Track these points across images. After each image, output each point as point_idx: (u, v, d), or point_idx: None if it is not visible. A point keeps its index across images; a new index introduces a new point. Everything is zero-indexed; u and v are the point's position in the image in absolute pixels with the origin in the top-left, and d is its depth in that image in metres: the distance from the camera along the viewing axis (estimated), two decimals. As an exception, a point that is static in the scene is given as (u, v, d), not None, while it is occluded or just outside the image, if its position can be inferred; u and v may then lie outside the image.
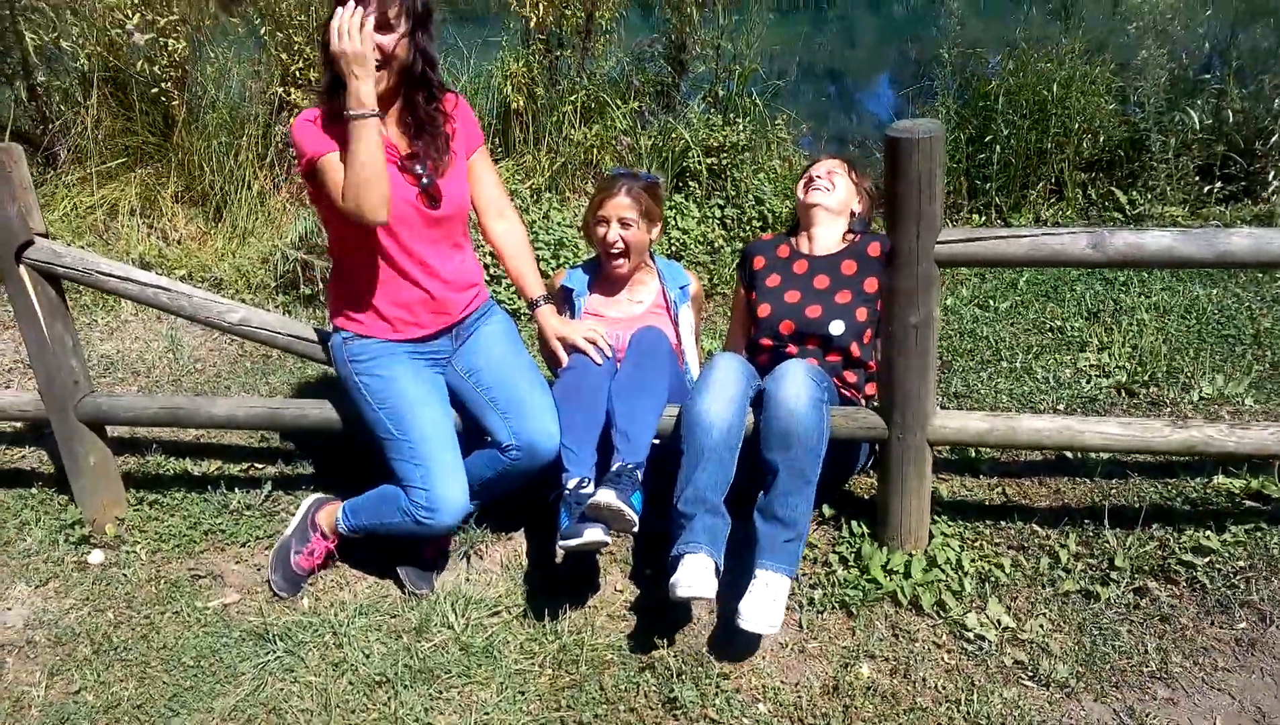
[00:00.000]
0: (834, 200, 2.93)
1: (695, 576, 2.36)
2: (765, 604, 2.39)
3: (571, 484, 2.51)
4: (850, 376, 2.84)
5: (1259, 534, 2.64)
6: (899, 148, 2.27)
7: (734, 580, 2.53)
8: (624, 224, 2.92)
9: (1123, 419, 2.55)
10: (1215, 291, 4.12)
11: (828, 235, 2.93)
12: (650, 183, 3.00)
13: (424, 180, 2.54)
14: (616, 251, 2.95)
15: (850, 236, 2.94)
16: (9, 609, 2.86)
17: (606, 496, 2.38)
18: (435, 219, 2.58)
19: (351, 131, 2.36)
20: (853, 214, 2.97)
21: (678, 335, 3.02)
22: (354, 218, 2.42)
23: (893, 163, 2.30)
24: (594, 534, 2.42)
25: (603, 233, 2.94)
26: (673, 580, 2.38)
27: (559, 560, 2.86)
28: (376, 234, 2.52)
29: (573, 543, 2.44)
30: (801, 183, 3.02)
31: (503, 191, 2.82)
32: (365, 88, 2.35)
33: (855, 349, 2.81)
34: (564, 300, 3.06)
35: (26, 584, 2.94)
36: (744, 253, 3.05)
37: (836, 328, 2.78)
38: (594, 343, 2.74)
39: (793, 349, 2.82)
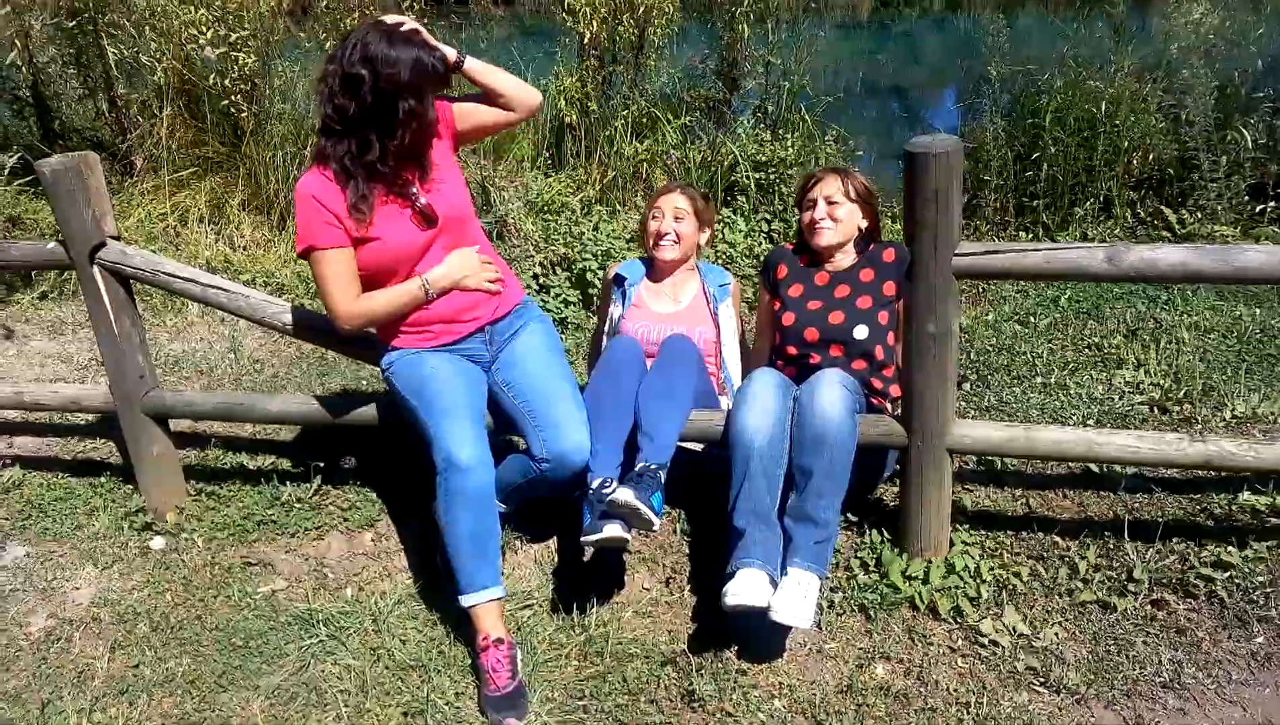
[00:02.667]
0: (841, 233, 2.97)
1: (746, 587, 2.44)
2: (797, 599, 2.45)
3: (595, 484, 2.62)
4: (876, 382, 2.91)
5: (1280, 551, 2.66)
6: (917, 162, 2.35)
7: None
8: (676, 217, 3.14)
9: (1141, 432, 2.59)
10: (1260, 311, 4.10)
11: (843, 257, 3.01)
12: (703, 192, 3.24)
13: (418, 201, 2.66)
14: (667, 241, 3.14)
15: (864, 248, 3.01)
16: (78, 588, 3.05)
17: (625, 495, 2.49)
18: (435, 233, 2.70)
19: (410, 291, 2.69)
20: (859, 230, 3.01)
21: (718, 330, 3.16)
22: (329, 312, 2.72)
23: (911, 177, 2.37)
24: (613, 530, 2.52)
25: (656, 225, 3.15)
26: (725, 589, 2.47)
27: (587, 559, 2.97)
28: (393, 273, 2.70)
29: (593, 538, 2.55)
30: (805, 219, 3.03)
31: None
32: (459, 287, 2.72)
33: (879, 352, 2.88)
34: (616, 287, 3.24)
35: (94, 566, 3.13)
36: (766, 260, 3.14)
37: (860, 332, 2.86)
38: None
39: (816, 357, 2.90)
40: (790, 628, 2.57)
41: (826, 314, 2.91)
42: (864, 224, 3.01)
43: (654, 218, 3.17)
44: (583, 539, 2.59)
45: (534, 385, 2.76)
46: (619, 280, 3.24)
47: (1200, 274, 2.33)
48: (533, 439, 2.69)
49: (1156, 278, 2.39)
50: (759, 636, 2.61)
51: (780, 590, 2.48)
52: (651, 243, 3.18)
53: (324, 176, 2.61)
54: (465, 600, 2.60)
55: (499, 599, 2.62)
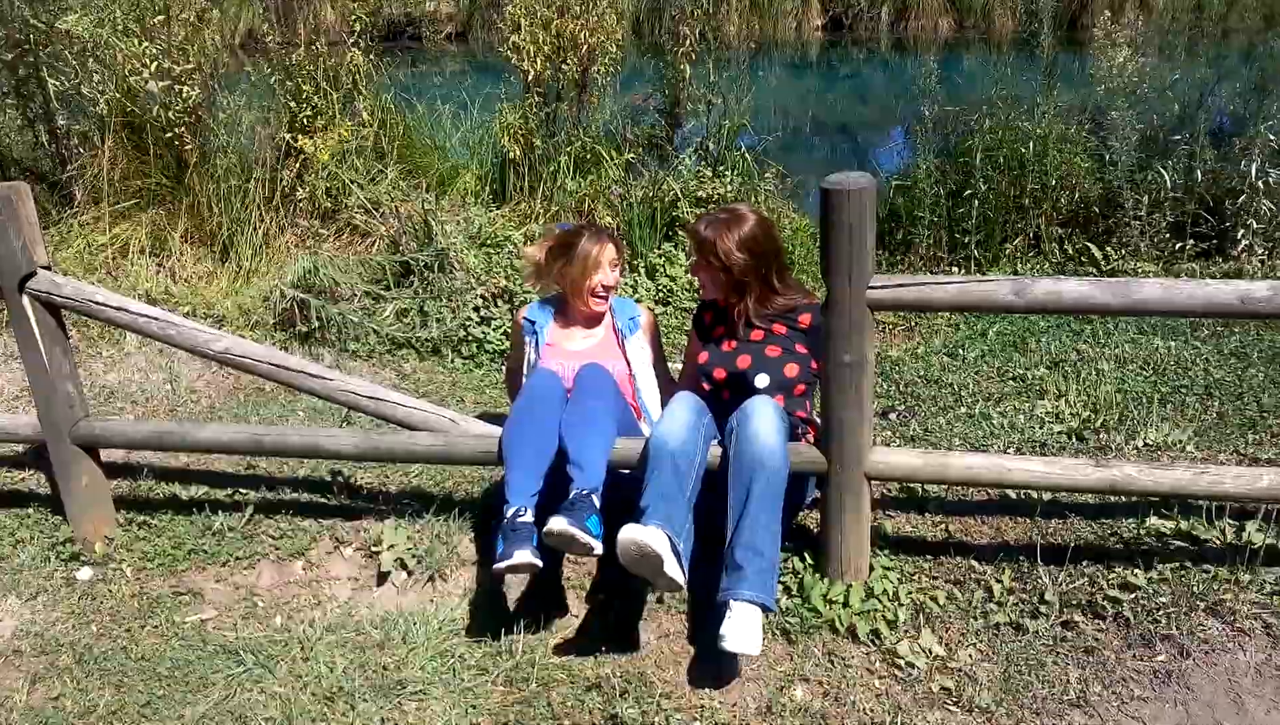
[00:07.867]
0: (713, 294, 3.04)
1: (640, 533, 2.47)
2: (746, 628, 2.50)
3: (509, 513, 2.65)
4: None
5: (1183, 573, 2.75)
6: (831, 198, 2.43)
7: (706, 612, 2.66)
8: (614, 266, 3.19)
9: (1049, 458, 2.68)
10: (1175, 344, 4.25)
11: (743, 306, 3.02)
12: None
13: None
14: (604, 295, 3.18)
15: (785, 301, 3.01)
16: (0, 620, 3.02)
17: (559, 523, 2.51)
18: None
19: None
20: (742, 283, 2.95)
21: (628, 362, 3.20)
22: None
23: (827, 212, 2.46)
24: (523, 556, 2.54)
25: (598, 279, 3.15)
26: (619, 533, 2.49)
27: (519, 586, 2.99)
28: None
29: (503, 565, 2.56)
30: None
31: None
32: None
33: (780, 400, 2.92)
34: (528, 332, 3.26)
35: (17, 597, 3.10)
36: (699, 306, 3.22)
37: (761, 381, 2.93)
38: None
39: (726, 394, 2.97)
40: (738, 655, 2.59)
41: (735, 356, 2.99)
42: (740, 272, 2.92)
43: (596, 270, 3.13)
44: (494, 568, 2.60)
45: None
46: (529, 325, 3.27)
47: (1101, 307, 2.43)
48: None
49: (1060, 309, 2.49)
50: (683, 661, 2.66)
51: (728, 620, 2.52)
52: (591, 293, 3.16)
53: None
54: None
55: None
